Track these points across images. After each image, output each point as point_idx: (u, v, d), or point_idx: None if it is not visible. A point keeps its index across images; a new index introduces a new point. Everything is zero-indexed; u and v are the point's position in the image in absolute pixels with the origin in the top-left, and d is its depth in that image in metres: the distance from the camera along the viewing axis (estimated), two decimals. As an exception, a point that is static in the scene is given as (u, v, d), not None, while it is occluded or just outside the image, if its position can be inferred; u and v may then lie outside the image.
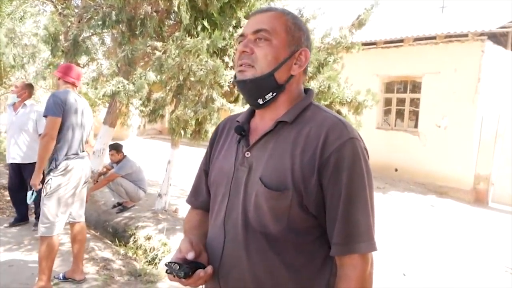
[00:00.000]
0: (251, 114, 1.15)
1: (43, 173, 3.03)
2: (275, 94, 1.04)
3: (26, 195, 4.66)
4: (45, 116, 2.96)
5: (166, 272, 0.96)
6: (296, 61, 1.06)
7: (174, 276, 0.95)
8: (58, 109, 2.91)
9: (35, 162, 4.36)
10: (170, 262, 0.96)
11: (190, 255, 0.97)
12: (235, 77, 1.08)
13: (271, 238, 0.99)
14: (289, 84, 1.06)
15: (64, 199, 3.00)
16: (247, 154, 1.05)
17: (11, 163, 4.49)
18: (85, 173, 3.15)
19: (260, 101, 1.05)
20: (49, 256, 2.98)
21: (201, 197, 1.23)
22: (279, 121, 1.03)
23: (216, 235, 1.07)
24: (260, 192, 0.99)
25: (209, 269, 0.98)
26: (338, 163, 0.95)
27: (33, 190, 3.04)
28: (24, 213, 4.71)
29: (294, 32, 1.05)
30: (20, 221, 4.64)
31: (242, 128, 1.08)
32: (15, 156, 4.40)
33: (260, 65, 1.01)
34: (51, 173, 2.95)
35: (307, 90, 1.13)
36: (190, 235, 1.09)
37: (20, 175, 4.53)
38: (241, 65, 1.03)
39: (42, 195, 2.96)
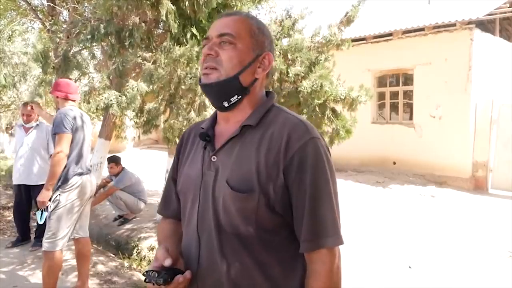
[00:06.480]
0: (214, 120, 1.17)
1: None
2: (240, 96, 1.07)
3: (29, 215, 4.65)
4: (55, 133, 2.97)
5: (145, 281, 0.97)
6: (260, 65, 1.09)
7: (153, 284, 0.95)
8: (68, 126, 2.96)
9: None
10: (148, 271, 0.97)
11: (167, 262, 0.98)
12: (199, 80, 1.10)
13: (243, 238, 1.01)
14: (253, 87, 1.09)
15: (70, 215, 3.01)
16: (213, 158, 1.07)
17: (19, 184, 4.44)
18: (92, 188, 3.19)
19: (226, 104, 1.07)
20: (53, 272, 2.97)
21: (172, 206, 1.24)
22: (244, 125, 1.06)
23: (190, 241, 1.08)
24: (227, 195, 1.01)
25: (188, 274, 0.99)
26: (302, 162, 0.99)
27: (42, 210, 3.02)
28: (26, 233, 4.69)
29: (258, 36, 1.08)
30: (22, 241, 4.61)
31: (206, 134, 1.10)
32: (26, 177, 4.37)
33: (225, 68, 1.04)
34: (60, 189, 2.96)
35: (268, 93, 1.16)
36: (165, 244, 1.10)
37: (28, 196, 4.50)
38: (205, 68, 1.05)
39: (49, 210, 2.95)
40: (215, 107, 1.13)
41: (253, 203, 0.99)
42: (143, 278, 1.00)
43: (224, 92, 1.06)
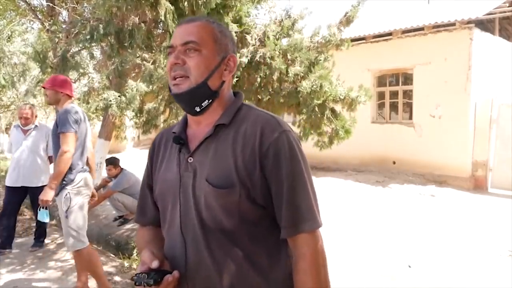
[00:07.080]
0: (185, 123, 1.20)
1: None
2: (210, 100, 1.11)
3: (15, 220, 4.51)
4: (60, 132, 2.98)
5: (135, 284, 0.98)
6: (226, 67, 1.13)
7: (144, 286, 0.97)
8: (75, 125, 3.00)
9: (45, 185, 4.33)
10: (137, 274, 0.98)
11: (155, 264, 1.00)
12: (170, 90, 1.13)
13: (227, 232, 1.05)
14: (221, 89, 1.13)
15: (83, 210, 3.07)
16: (190, 159, 1.10)
17: (15, 187, 4.32)
18: (92, 187, 3.25)
19: (197, 109, 1.10)
20: (96, 263, 3.09)
21: (149, 213, 1.25)
22: (217, 124, 1.09)
23: (175, 242, 1.10)
24: (208, 193, 1.04)
25: (176, 273, 1.02)
26: (277, 154, 1.04)
27: (44, 209, 3.04)
28: (11, 240, 4.41)
29: (221, 40, 1.12)
30: (1, 248, 4.29)
31: (179, 137, 1.13)
32: (27, 179, 4.31)
33: (194, 75, 1.07)
34: (68, 187, 2.97)
35: (235, 93, 1.21)
36: (149, 247, 1.12)
37: (21, 198, 4.45)
38: (175, 78, 1.08)
39: (63, 210, 2.96)
40: (187, 112, 1.16)
41: (234, 198, 1.02)
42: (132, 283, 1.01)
43: (195, 99, 1.09)
